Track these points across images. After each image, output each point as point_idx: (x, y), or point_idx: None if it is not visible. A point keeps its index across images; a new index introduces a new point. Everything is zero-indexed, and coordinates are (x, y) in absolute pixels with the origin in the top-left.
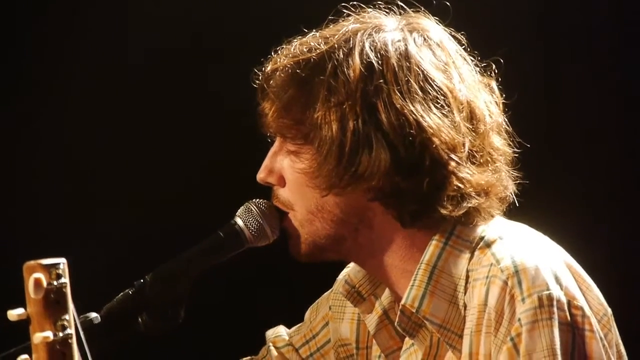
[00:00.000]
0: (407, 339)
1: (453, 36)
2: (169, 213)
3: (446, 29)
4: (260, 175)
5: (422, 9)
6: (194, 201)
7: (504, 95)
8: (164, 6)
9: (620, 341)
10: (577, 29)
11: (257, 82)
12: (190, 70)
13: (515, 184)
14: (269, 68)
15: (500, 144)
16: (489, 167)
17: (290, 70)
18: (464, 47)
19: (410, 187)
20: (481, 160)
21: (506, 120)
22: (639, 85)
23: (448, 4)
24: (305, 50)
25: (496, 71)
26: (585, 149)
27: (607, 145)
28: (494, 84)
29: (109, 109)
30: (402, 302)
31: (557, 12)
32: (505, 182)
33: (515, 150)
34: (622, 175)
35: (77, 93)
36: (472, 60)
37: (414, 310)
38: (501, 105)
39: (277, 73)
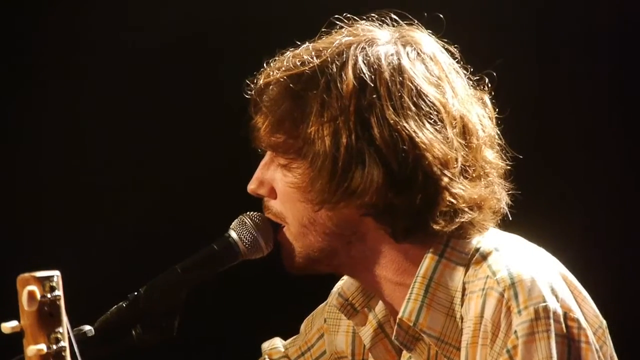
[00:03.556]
0: (404, 352)
1: (446, 49)
2: (164, 226)
3: (439, 41)
4: (251, 187)
5: (416, 21)
6: (189, 214)
7: (496, 110)
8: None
9: (614, 353)
10: (570, 38)
11: (250, 95)
12: (191, 76)
13: (508, 195)
14: (261, 81)
15: (492, 157)
16: (481, 181)
17: (283, 84)
18: (457, 59)
19: (403, 203)
20: (474, 175)
21: (499, 132)
22: (632, 96)
23: (441, 16)
24: (298, 63)
25: (489, 85)
26: (578, 160)
27: (600, 155)
28: (486, 97)
29: (108, 118)
30: (399, 315)
31: (551, 24)
32: (498, 194)
33: (508, 162)
34: (616, 186)
35: (76, 98)
36: (465, 74)
37: (411, 324)
38: (494, 119)
39: (270, 87)
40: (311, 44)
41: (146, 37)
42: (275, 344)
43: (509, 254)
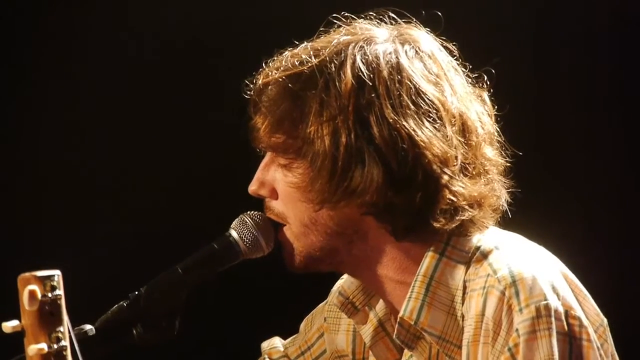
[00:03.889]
0: (405, 351)
1: (444, 47)
2: (165, 225)
3: (437, 38)
4: (252, 188)
5: (414, 19)
6: (190, 213)
7: (495, 107)
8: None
9: (615, 351)
10: (570, 36)
11: (249, 95)
12: (189, 79)
13: (508, 192)
14: (260, 82)
15: (492, 154)
16: (481, 179)
17: (282, 85)
18: (455, 57)
19: (403, 201)
20: (474, 172)
21: (498, 129)
22: (631, 93)
23: (439, 14)
24: (296, 63)
25: (488, 82)
26: (578, 158)
27: (600, 154)
28: (485, 95)
29: (107, 121)
30: (400, 314)
31: (549, 21)
32: (498, 192)
33: (508, 160)
34: (616, 184)
35: (76, 98)
36: (464, 72)
37: (412, 322)
38: (493, 116)
39: (269, 87)
40: (309, 44)
41: (146, 37)
42: (275, 344)
43: (510, 252)
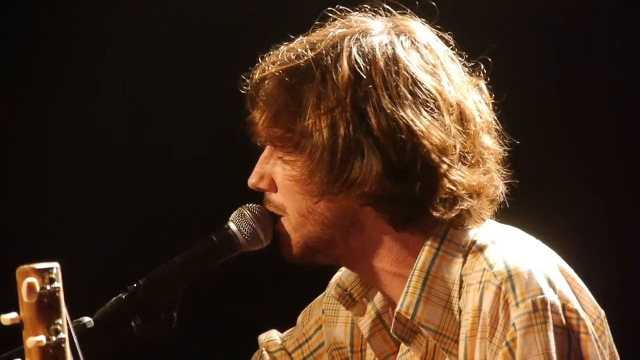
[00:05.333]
0: (402, 345)
1: (440, 37)
2: (164, 217)
3: (433, 29)
4: (252, 181)
5: (409, 10)
6: (189, 205)
7: (493, 96)
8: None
9: (613, 342)
10: (566, 25)
11: (246, 90)
12: (189, 69)
13: (505, 183)
14: (257, 76)
15: (490, 143)
16: (480, 168)
17: (279, 78)
18: (451, 47)
19: (402, 191)
20: (472, 161)
21: (496, 118)
22: (630, 82)
23: (434, 4)
24: (292, 57)
25: (485, 71)
26: (576, 148)
27: (598, 145)
28: (482, 83)
29: (107, 120)
30: (397, 309)
31: (548, 8)
32: (496, 182)
33: (506, 149)
34: (616, 173)
35: (72, 95)
36: (461, 61)
37: (409, 317)
38: (490, 105)
39: (266, 81)
40: (305, 38)
41: (145, 37)
42: (272, 336)
43: (505, 246)
